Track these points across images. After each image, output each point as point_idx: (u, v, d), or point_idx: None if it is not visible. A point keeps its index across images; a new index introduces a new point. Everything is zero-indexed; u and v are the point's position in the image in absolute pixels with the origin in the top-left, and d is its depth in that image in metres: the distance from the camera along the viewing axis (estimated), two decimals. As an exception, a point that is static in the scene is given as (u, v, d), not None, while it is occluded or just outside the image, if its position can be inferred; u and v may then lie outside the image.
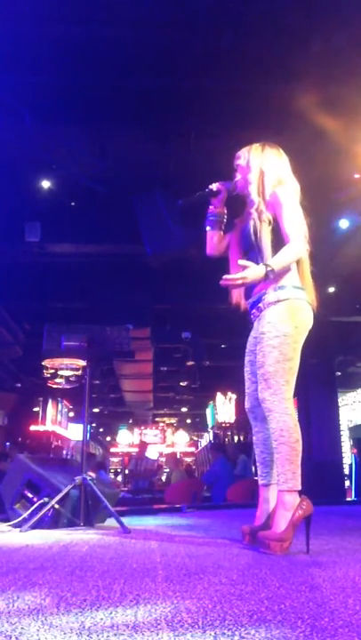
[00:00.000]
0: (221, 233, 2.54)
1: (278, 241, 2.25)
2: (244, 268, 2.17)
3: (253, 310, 2.31)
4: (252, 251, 2.31)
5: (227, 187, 2.48)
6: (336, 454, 8.55)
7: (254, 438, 2.37)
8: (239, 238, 2.43)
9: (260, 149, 2.41)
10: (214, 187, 2.49)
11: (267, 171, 2.35)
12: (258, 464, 2.33)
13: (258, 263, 2.20)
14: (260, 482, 2.31)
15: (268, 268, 2.12)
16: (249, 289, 2.32)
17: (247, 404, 2.40)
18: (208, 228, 2.54)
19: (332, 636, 0.99)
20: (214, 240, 2.53)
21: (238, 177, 2.44)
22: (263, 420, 2.28)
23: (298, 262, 2.26)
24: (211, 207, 2.52)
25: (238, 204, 2.51)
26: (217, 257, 2.55)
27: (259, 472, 2.32)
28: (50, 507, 2.91)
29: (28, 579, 1.52)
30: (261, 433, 2.31)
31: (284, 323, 2.16)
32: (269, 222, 2.27)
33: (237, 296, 2.44)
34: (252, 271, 2.13)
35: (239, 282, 2.13)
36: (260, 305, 2.25)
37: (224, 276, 2.15)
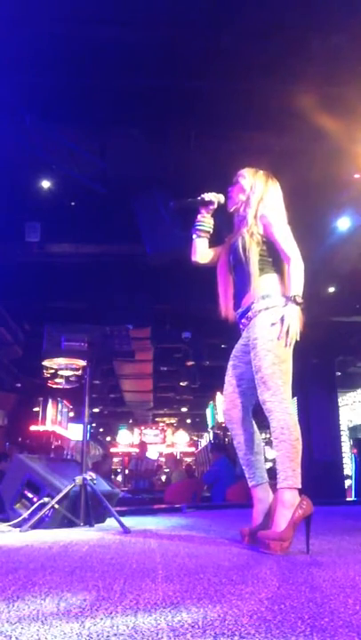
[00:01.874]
0: (207, 242, 2.62)
1: (268, 257, 2.37)
2: (243, 284, 2.35)
3: (243, 320, 2.39)
4: (239, 265, 2.41)
5: (219, 200, 2.57)
6: (336, 454, 8.55)
7: (235, 442, 2.43)
8: (228, 252, 2.51)
9: (264, 178, 2.51)
10: (206, 197, 2.58)
11: (265, 198, 2.45)
12: (243, 467, 2.38)
13: (245, 276, 2.35)
14: (250, 484, 2.36)
15: (297, 298, 2.23)
16: (238, 300, 2.41)
17: (223, 407, 2.48)
18: (194, 236, 2.62)
19: (332, 636, 0.99)
20: (199, 248, 2.62)
21: (242, 197, 2.50)
22: (239, 422, 2.39)
23: (282, 273, 2.35)
24: (199, 216, 2.62)
25: (231, 218, 2.59)
26: (201, 265, 2.64)
27: (246, 475, 2.37)
28: (50, 507, 2.91)
29: (28, 579, 1.52)
30: (240, 435, 2.38)
31: (276, 327, 2.23)
32: (258, 243, 2.37)
33: (225, 309, 2.51)
34: (290, 312, 2.21)
35: (291, 330, 2.20)
36: (250, 314, 2.33)
37: (277, 336, 2.21)
